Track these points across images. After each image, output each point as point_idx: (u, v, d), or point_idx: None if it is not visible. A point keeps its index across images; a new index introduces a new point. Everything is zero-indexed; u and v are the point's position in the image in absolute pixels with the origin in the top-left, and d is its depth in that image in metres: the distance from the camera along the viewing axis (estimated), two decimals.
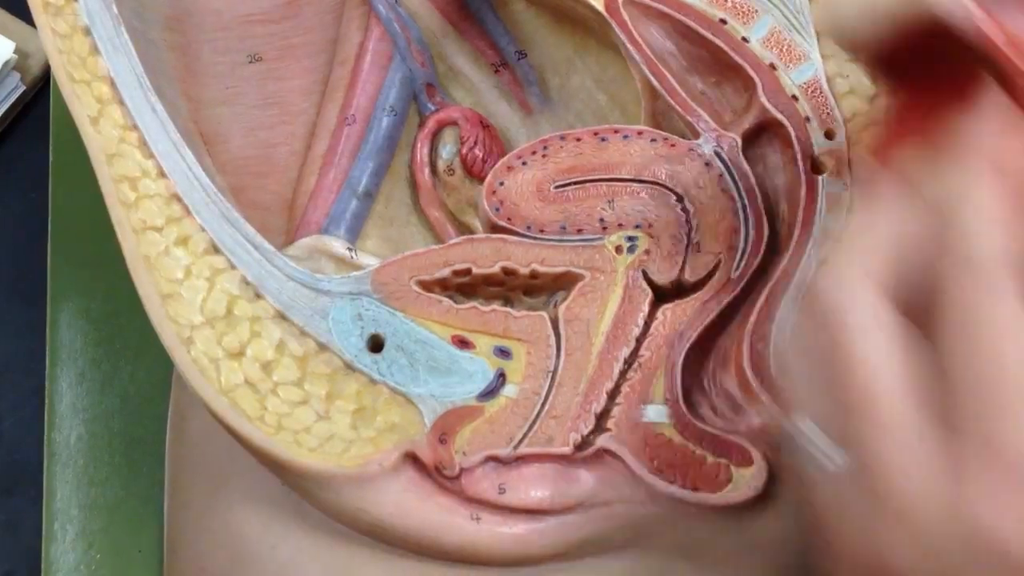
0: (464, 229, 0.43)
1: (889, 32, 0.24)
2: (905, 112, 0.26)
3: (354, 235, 0.43)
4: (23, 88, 0.57)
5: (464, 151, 0.44)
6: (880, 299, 0.23)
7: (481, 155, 0.43)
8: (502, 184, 0.40)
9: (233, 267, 0.37)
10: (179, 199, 0.38)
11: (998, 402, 0.20)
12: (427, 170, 0.44)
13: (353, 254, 0.41)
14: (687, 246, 0.39)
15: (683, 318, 0.37)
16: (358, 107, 0.44)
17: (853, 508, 0.23)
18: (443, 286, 0.38)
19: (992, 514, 0.20)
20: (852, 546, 0.23)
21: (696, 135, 0.40)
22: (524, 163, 0.40)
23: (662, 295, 0.38)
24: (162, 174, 0.38)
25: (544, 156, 0.40)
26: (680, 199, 0.39)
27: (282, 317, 0.38)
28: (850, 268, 0.24)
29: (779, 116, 0.39)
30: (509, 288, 0.39)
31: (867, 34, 0.24)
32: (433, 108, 0.45)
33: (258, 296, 0.38)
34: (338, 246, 0.42)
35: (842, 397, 0.23)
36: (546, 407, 0.37)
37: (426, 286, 0.38)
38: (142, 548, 0.44)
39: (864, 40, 0.24)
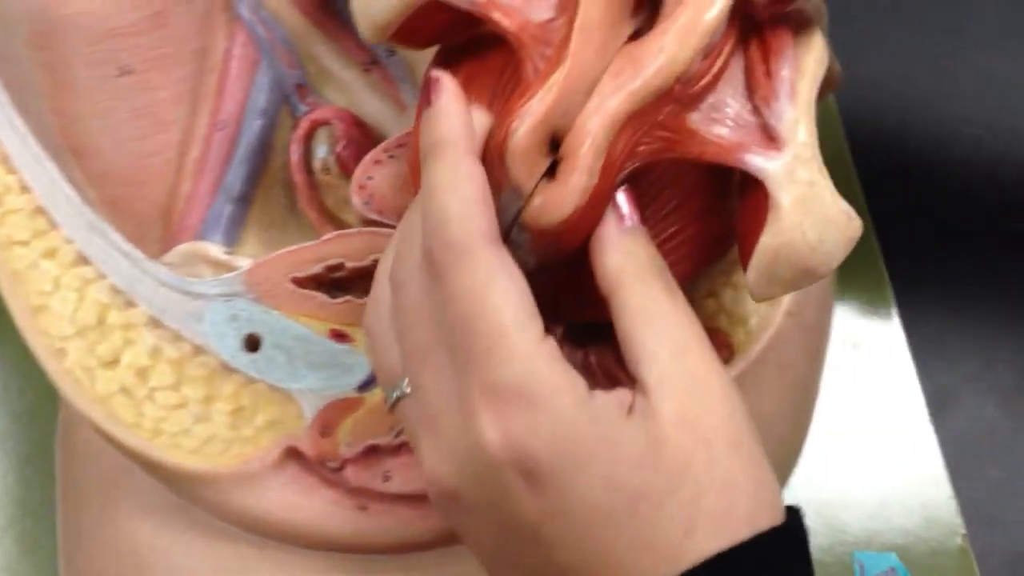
0: (343, 227, 0.43)
1: (404, 11, 0.31)
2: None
3: (232, 239, 0.43)
4: None
5: (339, 150, 0.44)
6: None
7: (356, 153, 0.44)
8: (370, 178, 0.40)
9: (103, 276, 0.38)
10: (44, 212, 0.38)
11: (483, 345, 0.27)
12: (303, 171, 0.45)
13: (231, 257, 0.42)
14: None
15: None
16: (228, 112, 0.44)
17: (416, 431, 0.29)
18: (318, 282, 0.39)
19: (486, 428, 0.27)
20: (422, 463, 0.29)
21: None
22: (391, 156, 0.41)
23: None
24: (25, 189, 0.38)
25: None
26: None
27: (156, 323, 0.38)
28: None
29: None
30: None
31: (389, 17, 0.31)
32: (305, 109, 0.45)
33: (130, 304, 0.38)
34: (215, 250, 0.42)
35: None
36: None
37: (300, 283, 0.39)
38: (39, 565, 0.44)
39: (388, 22, 0.31)
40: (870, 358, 0.45)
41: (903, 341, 0.46)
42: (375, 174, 0.40)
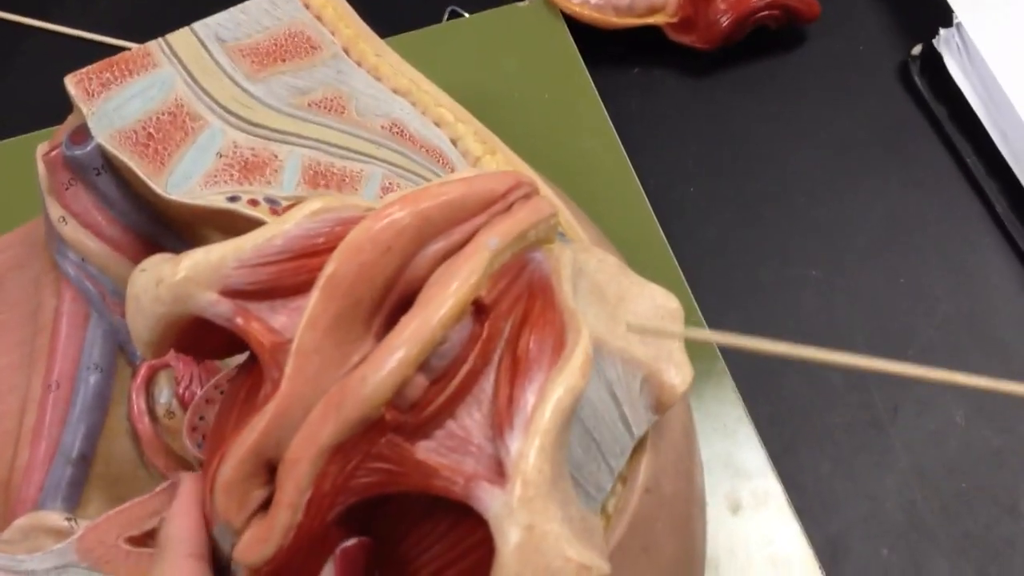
0: (196, 470, 0.42)
1: (164, 330, 0.30)
2: None
3: (73, 503, 0.41)
4: None
5: (181, 391, 0.43)
6: None
7: (199, 391, 0.43)
8: (202, 419, 0.39)
9: None
10: None
11: None
12: (147, 419, 0.43)
13: (73, 523, 0.39)
14: None
15: None
16: (61, 371, 0.43)
17: None
18: (155, 537, 0.37)
19: None
20: None
21: None
22: (222, 392, 0.39)
23: None
24: None
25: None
26: None
27: None
28: None
29: None
30: None
31: (151, 336, 0.31)
32: (141, 356, 0.44)
33: None
34: (55, 518, 0.39)
35: None
36: None
37: (136, 541, 0.36)
38: None
39: (151, 341, 0.31)
40: (752, 519, 0.44)
41: (783, 496, 0.45)
42: (207, 413, 0.39)
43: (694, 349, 0.48)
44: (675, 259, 0.51)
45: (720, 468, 0.45)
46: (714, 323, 0.50)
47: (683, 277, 0.51)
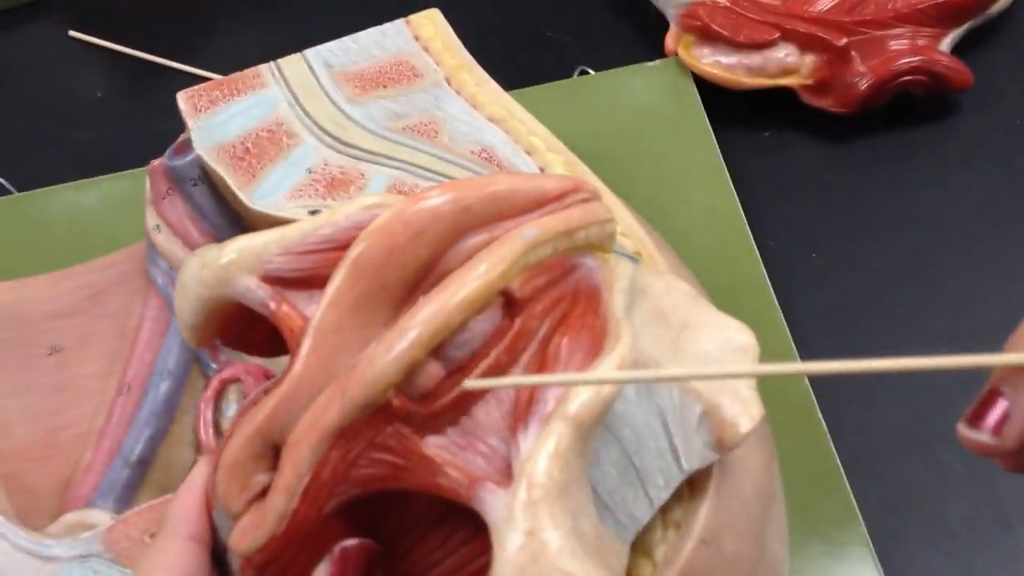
0: None
1: (205, 314, 0.30)
2: None
3: (124, 504, 0.40)
4: None
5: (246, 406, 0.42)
6: None
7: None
8: None
9: None
10: None
11: None
12: (211, 430, 0.42)
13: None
14: None
15: None
16: (134, 375, 0.43)
17: None
18: None
19: None
20: None
21: None
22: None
23: None
24: None
25: None
26: None
27: None
28: None
29: None
30: None
31: (193, 319, 0.30)
32: (216, 368, 0.44)
33: None
34: (103, 517, 0.39)
35: None
36: None
37: None
38: None
39: (193, 324, 0.30)
40: None
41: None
42: None
43: (797, 419, 0.44)
44: (786, 327, 0.48)
45: (813, 545, 0.41)
46: (828, 397, 0.45)
47: (793, 346, 0.47)
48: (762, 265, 0.49)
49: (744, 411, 0.31)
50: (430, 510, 0.28)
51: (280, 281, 0.29)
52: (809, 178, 0.54)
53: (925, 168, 0.54)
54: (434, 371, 0.26)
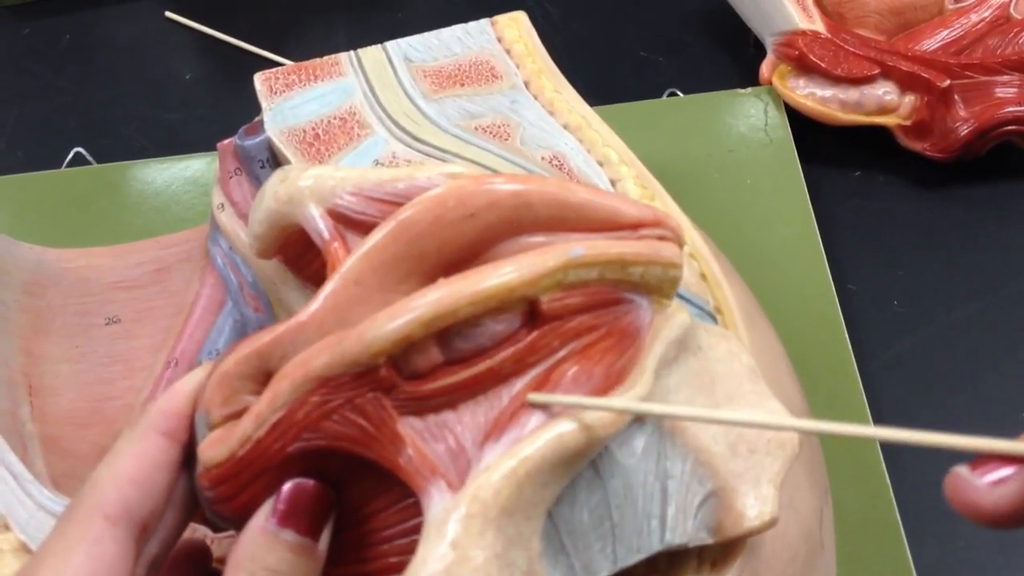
0: None
1: (271, 228, 0.30)
2: None
3: None
4: None
5: None
6: None
7: None
8: None
9: None
10: None
11: None
12: None
13: None
14: None
15: None
16: (183, 351, 0.43)
17: None
18: (201, 516, 0.35)
19: None
20: None
21: None
22: None
23: None
24: None
25: None
26: None
27: (25, 550, 0.34)
28: None
29: None
30: None
31: (260, 229, 0.30)
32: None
33: (6, 528, 0.35)
34: None
35: None
36: None
37: None
38: None
39: (260, 234, 0.30)
40: None
41: None
42: None
43: (860, 465, 0.42)
44: (858, 375, 0.45)
45: None
46: (893, 448, 0.43)
47: (863, 393, 0.45)
48: (839, 307, 0.47)
49: (757, 505, 0.29)
50: (397, 487, 0.27)
51: (344, 219, 0.29)
52: (897, 223, 0.52)
53: (1021, 224, 0.51)
54: (432, 355, 0.25)
